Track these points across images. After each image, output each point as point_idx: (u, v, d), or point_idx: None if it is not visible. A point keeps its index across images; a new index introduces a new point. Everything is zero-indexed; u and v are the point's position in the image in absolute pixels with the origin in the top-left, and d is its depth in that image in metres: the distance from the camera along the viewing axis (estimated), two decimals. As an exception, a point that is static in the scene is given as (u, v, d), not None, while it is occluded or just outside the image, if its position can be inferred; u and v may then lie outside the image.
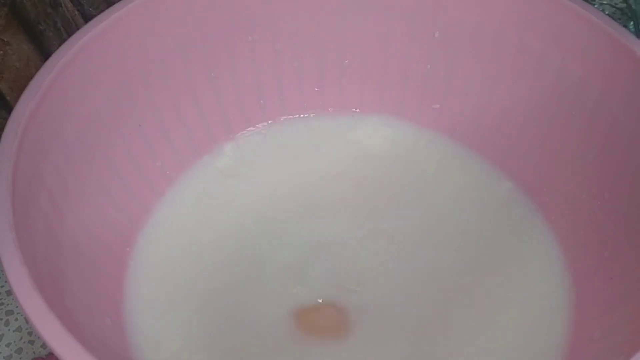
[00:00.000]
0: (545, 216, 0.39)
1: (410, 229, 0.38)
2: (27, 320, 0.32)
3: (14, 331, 0.37)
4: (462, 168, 0.41)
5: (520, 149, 0.39)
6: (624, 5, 0.49)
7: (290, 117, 0.43)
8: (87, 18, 0.41)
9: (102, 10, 0.34)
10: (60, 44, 0.32)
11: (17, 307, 0.38)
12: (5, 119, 0.29)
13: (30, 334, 0.37)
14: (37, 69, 0.31)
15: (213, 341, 0.34)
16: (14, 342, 0.36)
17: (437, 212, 0.39)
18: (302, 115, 0.43)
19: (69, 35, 0.33)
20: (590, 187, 0.35)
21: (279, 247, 0.38)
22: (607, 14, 0.41)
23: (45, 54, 0.39)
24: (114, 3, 0.34)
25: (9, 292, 0.38)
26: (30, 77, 0.30)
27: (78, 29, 0.33)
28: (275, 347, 0.34)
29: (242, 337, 0.34)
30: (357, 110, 0.44)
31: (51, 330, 0.23)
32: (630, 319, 0.30)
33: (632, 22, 0.46)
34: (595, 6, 0.37)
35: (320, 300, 0.35)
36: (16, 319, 0.37)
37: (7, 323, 0.37)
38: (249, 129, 0.42)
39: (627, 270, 0.32)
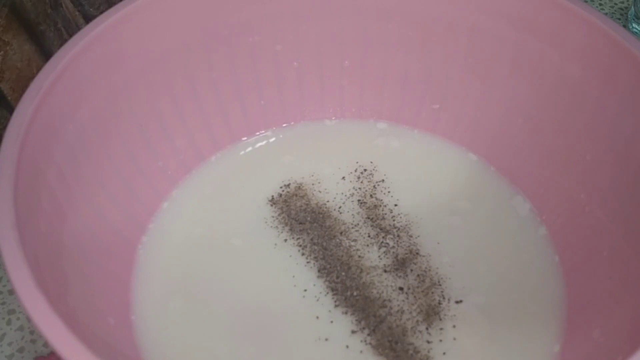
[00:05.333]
0: (544, 215, 0.39)
1: (402, 223, 0.39)
2: (29, 320, 0.32)
3: (15, 330, 0.37)
4: (459, 168, 0.42)
5: (519, 149, 0.40)
6: (623, 4, 0.49)
7: (292, 119, 0.44)
8: (87, 18, 0.41)
9: (102, 11, 0.34)
10: (61, 44, 0.32)
11: (19, 306, 0.38)
12: (7, 119, 0.29)
13: (32, 333, 0.37)
14: (38, 69, 0.31)
15: (219, 341, 0.34)
16: (16, 341, 0.36)
17: (431, 210, 0.39)
18: (302, 122, 0.44)
19: (70, 35, 0.33)
20: (589, 187, 0.35)
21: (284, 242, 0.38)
22: (606, 14, 0.41)
23: (46, 54, 0.39)
24: (115, 3, 0.34)
25: (11, 292, 0.38)
26: (31, 78, 0.30)
27: (79, 29, 0.33)
28: (290, 342, 0.34)
29: (249, 340, 0.34)
30: (358, 113, 0.44)
31: (53, 330, 0.23)
32: (630, 317, 0.30)
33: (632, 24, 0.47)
34: (594, 6, 0.37)
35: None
36: (18, 318, 0.37)
37: (9, 322, 0.37)
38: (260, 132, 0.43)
39: (626, 269, 0.32)
